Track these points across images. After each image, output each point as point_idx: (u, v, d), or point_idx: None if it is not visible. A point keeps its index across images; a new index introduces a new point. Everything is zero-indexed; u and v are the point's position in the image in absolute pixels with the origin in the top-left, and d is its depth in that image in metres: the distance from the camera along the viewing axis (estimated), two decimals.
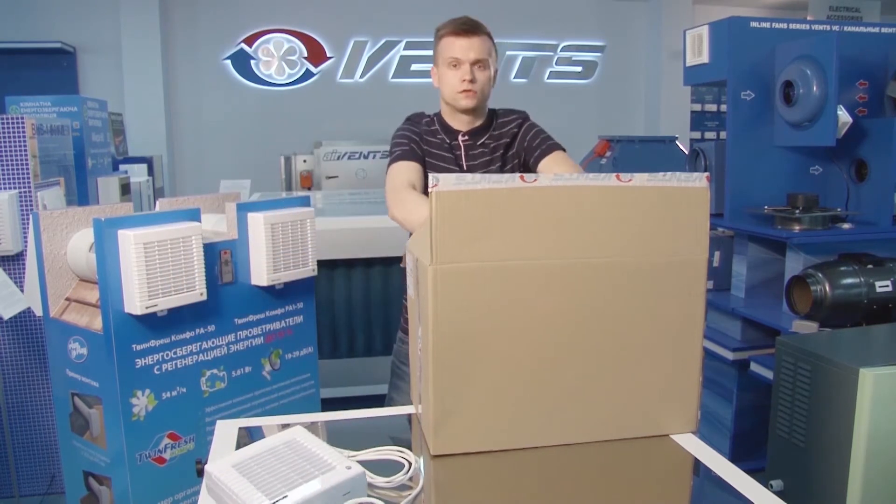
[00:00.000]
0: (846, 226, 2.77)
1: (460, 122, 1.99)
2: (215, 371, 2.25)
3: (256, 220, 2.26)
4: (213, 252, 2.20)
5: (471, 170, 1.93)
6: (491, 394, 1.28)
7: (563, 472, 1.29)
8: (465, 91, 1.90)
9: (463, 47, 1.90)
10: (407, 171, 1.89)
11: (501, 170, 1.96)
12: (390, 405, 2.05)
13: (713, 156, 3.12)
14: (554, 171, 1.90)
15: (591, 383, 1.32)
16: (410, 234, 1.87)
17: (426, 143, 1.99)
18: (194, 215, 2.15)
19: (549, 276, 1.26)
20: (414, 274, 1.43)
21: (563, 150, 1.98)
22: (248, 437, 1.42)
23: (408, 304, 1.57)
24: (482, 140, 1.98)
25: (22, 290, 2.63)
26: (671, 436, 1.37)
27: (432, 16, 8.22)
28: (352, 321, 3.65)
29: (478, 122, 2.00)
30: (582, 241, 1.27)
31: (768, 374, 2.56)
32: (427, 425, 1.31)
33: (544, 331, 1.28)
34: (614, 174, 1.27)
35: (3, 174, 2.84)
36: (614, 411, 1.34)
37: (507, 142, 2.00)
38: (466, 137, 1.97)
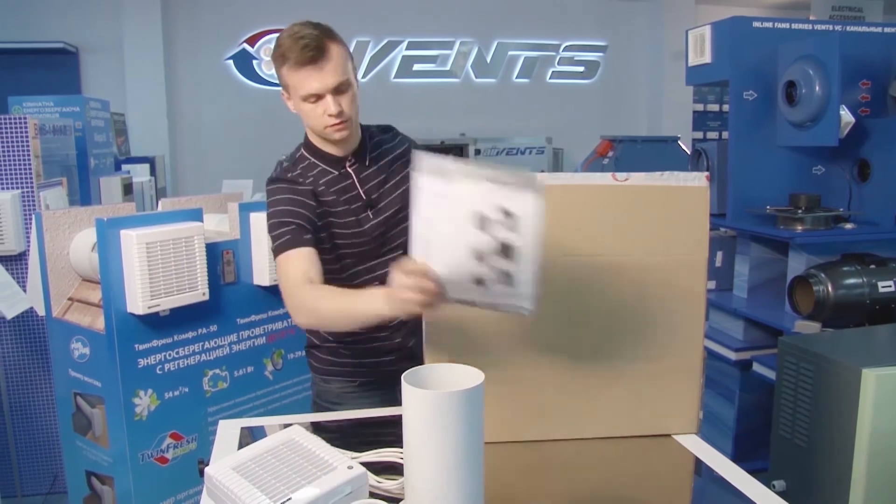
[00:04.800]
0: (849, 226, 2.76)
1: (339, 149, 1.69)
2: (217, 371, 2.25)
3: (259, 219, 2.26)
4: (215, 252, 2.20)
5: (368, 194, 1.68)
6: (491, 391, 1.28)
7: (564, 469, 1.29)
8: (335, 126, 1.60)
9: (316, 79, 1.56)
10: (298, 261, 1.54)
11: (396, 185, 1.71)
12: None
13: (715, 156, 3.12)
14: None
15: (592, 382, 1.32)
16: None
17: (318, 195, 1.66)
18: (196, 215, 2.16)
19: (549, 275, 1.26)
20: None
21: None
22: (250, 437, 1.42)
23: None
24: (367, 160, 1.72)
25: (25, 290, 2.63)
26: (673, 436, 1.37)
27: (435, 16, 8.16)
28: None
29: (357, 142, 1.71)
30: (581, 240, 1.27)
31: (771, 375, 2.55)
32: None
33: (544, 329, 1.28)
34: (611, 174, 1.27)
35: (6, 174, 2.84)
36: (615, 410, 1.34)
37: (397, 154, 1.76)
38: (353, 161, 1.69)
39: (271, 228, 1.60)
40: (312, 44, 1.57)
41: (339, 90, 1.59)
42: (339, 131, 1.62)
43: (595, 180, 1.27)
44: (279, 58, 1.60)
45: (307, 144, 1.73)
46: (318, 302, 1.47)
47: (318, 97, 1.58)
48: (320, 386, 1.76)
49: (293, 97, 1.63)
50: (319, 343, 1.76)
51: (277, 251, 1.58)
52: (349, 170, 1.69)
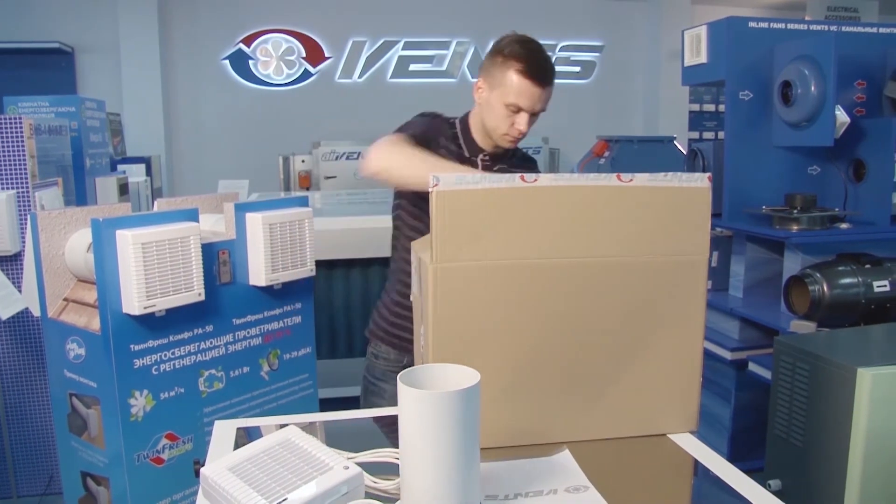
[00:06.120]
0: (844, 226, 2.77)
1: (486, 142, 1.84)
2: (213, 371, 2.25)
3: (255, 220, 2.25)
4: (211, 252, 2.19)
5: None
6: (489, 392, 1.27)
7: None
8: (511, 139, 1.77)
9: (535, 98, 1.74)
10: (408, 141, 1.71)
11: None
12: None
13: (711, 156, 3.12)
14: None
15: (591, 382, 1.32)
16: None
17: (436, 150, 1.81)
18: (192, 215, 2.15)
19: (550, 275, 1.26)
20: (417, 272, 1.43)
21: None
22: (246, 437, 1.42)
23: (412, 302, 1.56)
24: (500, 165, 1.86)
25: (20, 291, 2.62)
26: (669, 435, 1.37)
27: (430, 16, 8.18)
28: (350, 321, 3.65)
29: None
30: (582, 240, 1.27)
31: (766, 374, 2.56)
32: None
33: (543, 330, 1.28)
34: (615, 174, 1.27)
35: (1, 174, 2.84)
36: (613, 410, 1.34)
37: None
38: (487, 157, 1.84)
39: (400, 129, 1.76)
40: (549, 69, 1.74)
41: (534, 113, 1.75)
42: (509, 144, 1.78)
43: (601, 181, 1.27)
44: (511, 56, 1.70)
45: (464, 123, 1.87)
46: (400, 145, 1.63)
47: (519, 110, 1.71)
48: (370, 360, 1.92)
49: (494, 93, 1.73)
50: (390, 303, 1.95)
51: (396, 131, 1.75)
52: (479, 160, 1.82)
